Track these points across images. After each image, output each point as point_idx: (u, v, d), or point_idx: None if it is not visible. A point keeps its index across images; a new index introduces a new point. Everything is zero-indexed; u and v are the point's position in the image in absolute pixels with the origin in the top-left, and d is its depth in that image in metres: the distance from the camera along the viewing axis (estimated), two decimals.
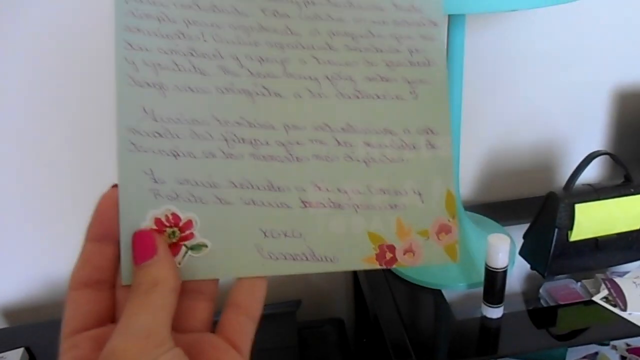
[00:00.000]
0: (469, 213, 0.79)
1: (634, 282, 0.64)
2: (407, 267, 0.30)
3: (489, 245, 0.57)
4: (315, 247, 0.29)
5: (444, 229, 0.30)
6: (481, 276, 0.59)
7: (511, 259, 0.70)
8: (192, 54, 0.28)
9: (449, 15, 0.60)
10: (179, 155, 0.27)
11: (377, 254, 0.29)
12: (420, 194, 0.30)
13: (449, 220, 0.30)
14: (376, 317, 0.66)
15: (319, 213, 0.29)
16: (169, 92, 0.28)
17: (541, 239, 0.66)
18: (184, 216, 0.27)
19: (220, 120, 0.28)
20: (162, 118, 0.28)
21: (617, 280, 0.65)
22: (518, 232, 0.72)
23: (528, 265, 0.70)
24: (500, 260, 0.57)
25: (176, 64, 0.28)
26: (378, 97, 0.30)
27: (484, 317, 0.60)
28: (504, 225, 0.76)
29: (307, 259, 0.28)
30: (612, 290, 0.63)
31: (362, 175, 0.29)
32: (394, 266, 0.29)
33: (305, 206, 0.29)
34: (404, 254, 0.29)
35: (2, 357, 0.62)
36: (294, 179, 0.28)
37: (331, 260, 0.29)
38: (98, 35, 0.67)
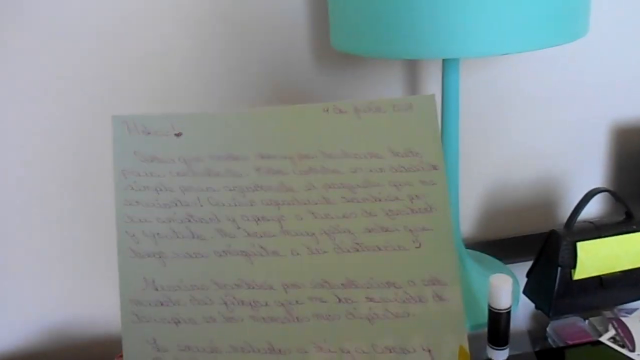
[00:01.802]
0: (470, 251, 0.78)
1: None
2: None
3: (491, 286, 0.56)
4: None
5: None
6: (485, 316, 0.59)
7: (516, 298, 0.69)
8: (189, 220, 0.29)
9: (443, 60, 0.61)
10: (180, 322, 0.28)
11: None
12: (429, 351, 0.29)
13: None
14: None
15: None
16: (169, 260, 0.29)
17: (544, 278, 0.65)
18: None
19: (219, 284, 0.28)
20: (162, 287, 0.28)
21: (624, 320, 0.64)
22: (521, 269, 0.71)
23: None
24: (503, 301, 0.56)
25: (175, 232, 0.29)
26: (379, 249, 0.29)
27: None
28: (506, 263, 0.76)
29: None
30: (619, 330, 0.62)
31: (365, 333, 0.28)
32: None
33: None
34: None
35: None
36: (294, 340, 0.28)
37: None
38: (102, 58, 0.69)
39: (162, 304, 0.28)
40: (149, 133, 0.29)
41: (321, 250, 0.28)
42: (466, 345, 0.28)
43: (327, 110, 0.29)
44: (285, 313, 0.28)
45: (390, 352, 0.28)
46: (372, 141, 0.30)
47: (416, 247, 0.29)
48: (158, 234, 0.28)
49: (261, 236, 0.29)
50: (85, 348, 0.81)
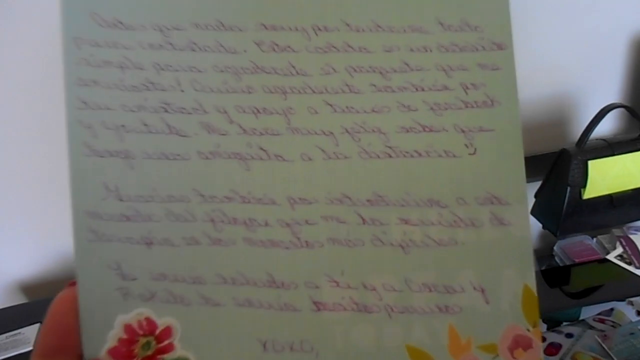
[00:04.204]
0: None
1: None
2: None
3: None
4: None
5: (521, 343, 0.21)
6: None
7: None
8: (165, 110, 0.22)
9: None
10: (152, 243, 0.22)
11: None
12: (483, 291, 0.22)
13: (528, 330, 0.21)
14: None
15: (337, 318, 0.22)
16: (138, 161, 0.22)
17: (553, 197, 0.64)
18: (161, 322, 0.22)
19: (204, 195, 0.22)
20: (129, 196, 0.22)
21: (633, 237, 0.63)
22: (530, 190, 0.70)
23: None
24: None
25: (145, 125, 0.22)
26: (419, 155, 0.22)
27: None
28: None
29: None
30: (627, 248, 0.62)
31: (397, 266, 0.22)
32: None
33: (319, 309, 0.22)
34: None
35: (19, 332, 0.63)
36: (303, 271, 0.22)
37: None
38: None
39: (128, 219, 0.22)
40: None
41: (341, 154, 0.22)
42: (532, 285, 0.21)
43: None
44: (291, 236, 0.22)
45: (430, 290, 0.21)
46: (415, 9, 0.22)
47: (470, 154, 0.22)
48: (123, 126, 0.22)
49: (261, 134, 0.22)
50: None
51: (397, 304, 0.22)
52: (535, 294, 0.22)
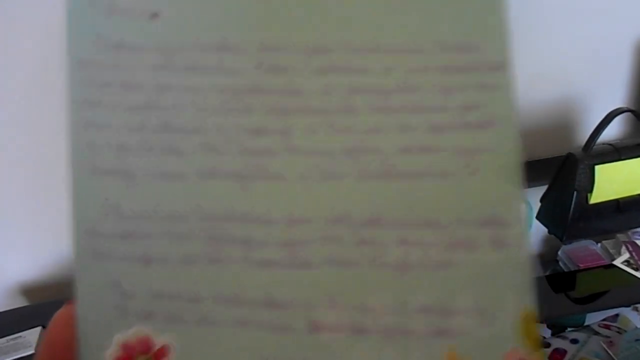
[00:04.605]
0: None
1: None
2: None
3: None
4: None
5: None
6: None
7: (528, 223, 0.68)
8: (165, 130, 0.22)
9: None
10: (151, 261, 0.22)
11: None
12: (482, 314, 0.21)
13: (529, 355, 0.21)
14: None
15: (334, 340, 0.22)
16: (138, 180, 0.22)
17: (559, 202, 0.64)
18: (158, 340, 0.22)
19: (202, 214, 0.22)
20: (129, 214, 0.22)
21: (639, 242, 0.63)
22: (535, 194, 0.69)
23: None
24: None
25: (146, 144, 0.22)
26: (418, 175, 0.22)
27: None
28: None
29: None
30: (633, 254, 0.61)
31: (395, 287, 0.21)
32: None
33: (316, 330, 0.22)
34: None
35: (20, 336, 0.63)
36: (300, 292, 0.22)
37: None
38: None
39: (128, 237, 0.22)
40: (115, 12, 0.22)
41: (339, 174, 0.22)
42: (533, 307, 0.21)
43: None
44: (289, 256, 0.22)
45: (428, 312, 0.21)
46: (414, 30, 0.22)
47: (468, 174, 0.22)
48: (124, 145, 0.22)
49: (260, 154, 0.22)
50: None
51: (395, 327, 0.21)
52: (535, 317, 0.21)
